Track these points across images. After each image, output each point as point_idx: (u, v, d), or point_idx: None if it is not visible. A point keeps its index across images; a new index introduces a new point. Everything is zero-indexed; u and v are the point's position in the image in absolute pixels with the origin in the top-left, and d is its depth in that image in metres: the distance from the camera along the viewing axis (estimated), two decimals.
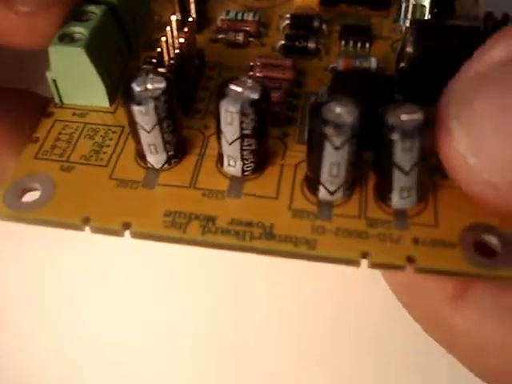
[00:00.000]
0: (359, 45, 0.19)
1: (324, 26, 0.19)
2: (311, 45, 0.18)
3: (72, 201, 0.15)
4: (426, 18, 0.18)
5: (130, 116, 0.14)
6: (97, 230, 0.14)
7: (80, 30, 0.16)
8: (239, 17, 0.19)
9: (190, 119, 0.17)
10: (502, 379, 0.14)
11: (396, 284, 0.15)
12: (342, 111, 0.14)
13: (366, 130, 0.14)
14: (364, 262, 0.14)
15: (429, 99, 0.17)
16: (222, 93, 0.14)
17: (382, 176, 0.14)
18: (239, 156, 0.15)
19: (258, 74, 0.17)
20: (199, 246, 0.14)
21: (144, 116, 0.14)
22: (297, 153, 0.16)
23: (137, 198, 0.15)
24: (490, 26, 0.16)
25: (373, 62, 0.17)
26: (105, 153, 0.16)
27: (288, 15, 0.19)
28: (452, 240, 0.14)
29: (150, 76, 0.14)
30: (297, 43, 0.18)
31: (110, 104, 0.17)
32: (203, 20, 0.19)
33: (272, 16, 0.20)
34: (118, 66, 0.17)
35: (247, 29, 0.19)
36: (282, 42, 0.18)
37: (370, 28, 0.19)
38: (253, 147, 0.15)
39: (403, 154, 0.13)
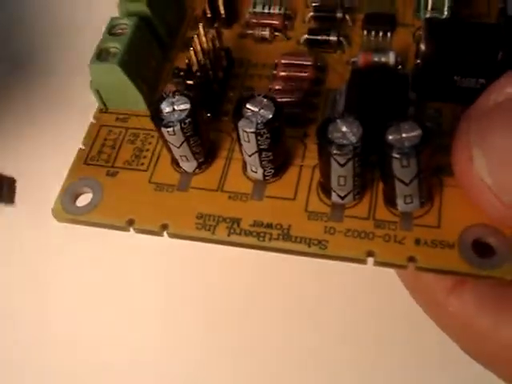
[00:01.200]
0: (381, 34, 0.19)
1: (347, 16, 0.20)
2: (333, 38, 0.19)
3: (117, 204, 0.17)
4: (445, 8, 0.18)
5: (161, 134, 0.16)
6: (139, 231, 0.17)
7: (115, 45, 0.18)
8: (266, 9, 0.20)
9: (218, 122, 0.18)
10: (493, 362, 0.16)
11: (402, 273, 0.17)
12: (346, 130, 0.15)
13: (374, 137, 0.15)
14: (370, 261, 0.16)
15: (441, 97, 0.17)
16: (238, 113, 0.15)
17: (386, 184, 0.16)
18: (259, 165, 0.16)
19: (281, 74, 0.19)
20: (225, 245, 0.17)
21: (172, 136, 0.16)
22: (315, 153, 0.17)
23: (172, 200, 0.17)
24: (503, 23, 0.17)
25: (391, 57, 0.18)
26: (144, 157, 0.18)
27: (313, 4, 0.20)
28: (452, 240, 0.15)
29: (177, 98, 0.16)
30: (319, 37, 0.19)
31: (148, 108, 0.19)
32: (232, 14, 0.20)
33: (297, 5, 0.21)
34: (154, 71, 0.19)
35: (274, 23, 0.20)
36: (306, 36, 0.19)
37: (394, 16, 0.19)
38: (270, 158, 0.16)
39: (402, 170, 0.15)
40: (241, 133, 0.16)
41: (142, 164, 0.18)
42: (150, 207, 0.17)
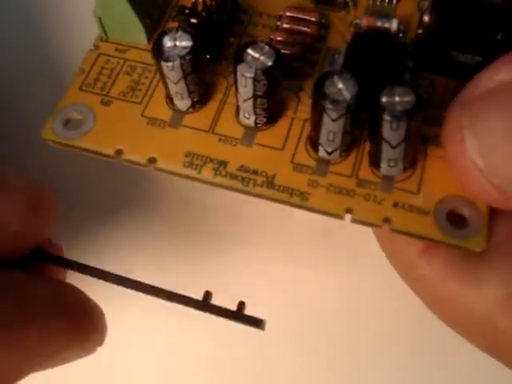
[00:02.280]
0: (387, 0, 0.19)
1: None
2: None
3: (108, 133, 0.17)
4: None
5: (159, 68, 0.16)
6: (127, 161, 0.17)
7: None
8: None
9: (216, 64, 0.18)
10: (463, 327, 0.17)
11: (379, 233, 0.18)
12: (342, 87, 0.15)
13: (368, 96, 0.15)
14: (347, 217, 0.16)
15: (437, 69, 0.18)
16: (239, 57, 0.16)
17: (373, 145, 0.16)
18: (252, 111, 0.17)
19: (284, 26, 0.19)
20: (210, 185, 0.17)
21: (171, 71, 0.16)
22: (308, 108, 0.17)
23: (163, 136, 0.17)
24: (507, 5, 0.17)
25: (394, 24, 0.18)
26: (140, 90, 0.18)
27: None
28: (428, 208, 0.16)
29: (179, 34, 0.16)
30: None
31: (148, 42, 0.19)
32: None
33: None
34: (159, 6, 0.19)
35: None
36: None
37: None
38: (264, 106, 0.16)
39: (391, 132, 0.15)
40: (239, 77, 0.16)
41: (137, 97, 0.18)
42: (140, 140, 0.17)
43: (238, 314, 0.17)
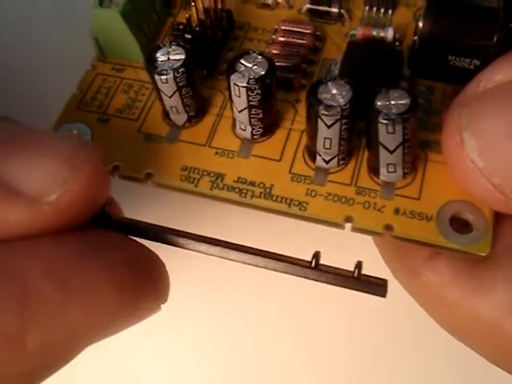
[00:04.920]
0: (382, 11, 0.19)
1: None
2: (334, 10, 0.19)
3: (105, 150, 0.17)
4: None
5: (153, 82, 0.16)
6: (124, 177, 0.17)
7: None
8: None
9: (213, 79, 0.18)
10: (466, 334, 0.16)
11: (380, 242, 0.17)
12: (336, 92, 0.15)
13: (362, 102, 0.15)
14: (347, 226, 0.16)
15: (435, 75, 0.18)
16: (232, 67, 0.16)
17: (371, 151, 0.16)
18: (248, 122, 0.16)
19: (279, 39, 0.19)
20: (207, 198, 0.17)
21: (164, 84, 0.16)
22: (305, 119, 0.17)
23: (160, 151, 0.17)
24: (501, 7, 0.17)
25: (390, 32, 0.18)
26: (136, 107, 0.18)
27: None
28: (430, 213, 0.16)
29: (173, 47, 0.16)
30: (321, 8, 0.19)
31: (145, 60, 0.19)
32: None
33: None
34: (154, 25, 0.19)
35: None
36: (308, 5, 0.19)
37: None
38: (260, 116, 0.16)
39: (387, 136, 0.15)
40: (232, 87, 0.16)
41: (133, 114, 0.18)
42: (137, 156, 0.17)
43: (358, 276, 0.15)
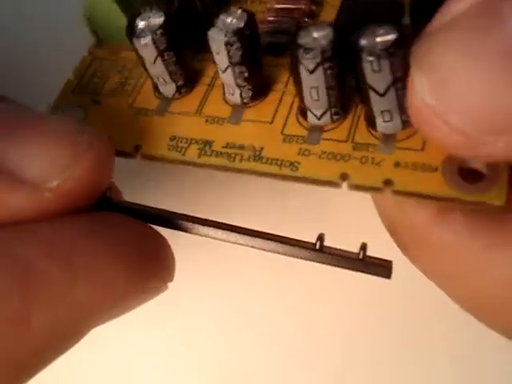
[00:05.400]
0: None
1: None
2: None
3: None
4: None
5: (135, 49, 0.16)
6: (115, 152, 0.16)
7: None
8: None
9: (204, 53, 0.18)
10: (482, 302, 0.14)
11: (381, 203, 0.16)
12: (318, 35, 0.14)
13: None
14: (344, 185, 0.14)
15: None
16: (210, 23, 0.15)
17: (363, 100, 0.14)
18: (234, 83, 0.16)
19: (274, 6, 0.18)
20: (196, 167, 0.16)
21: (145, 49, 0.16)
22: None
23: (149, 124, 0.17)
24: None
25: None
26: (129, 85, 0.18)
27: None
28: (435, 164, 0.14)
29: (153, 11, 0.16)
30: None
31: None
32: None
33: None
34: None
35: None
36: None
37: None
38: (245, 75, 0.15)
39: (374, 76, 0.13)
40: (211, 43, 0.15)
41: (126, 91, 0.18)
42: (127, 131, 0.17)
43: (364, 258, 0.14)
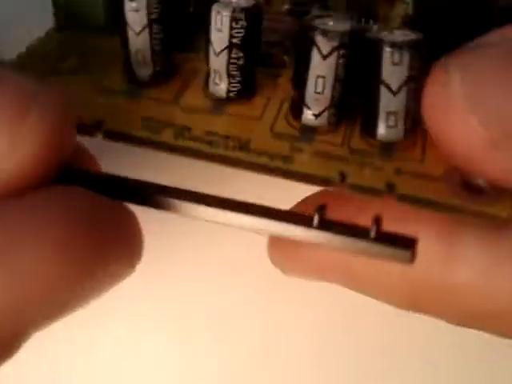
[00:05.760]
0: None
1: None
2: None
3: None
4: None
5: (122, 16, 0.14)
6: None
7: None
8: None
9: (189, 53, 0.16)
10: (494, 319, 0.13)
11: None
12: (338, 21, 0.13)
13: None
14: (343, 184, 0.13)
15: None
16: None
17: (369, 100, 0.14)
18: (225, 70, 0.14)
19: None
20: (171, 151, 0.14)
21: (134, 14, 0.14)
22: (287, 88, 0.15)
23: (117, 103, 0.14)
24: None
25: None
26: (95, 65, 0.16)
27: None
28: (436, 174, 0.13)
29: None
30: None
31: (105, 22, 0.17)
32: None
33: None
34: None
35: None
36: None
37: None
38: (240, 62, 0.14)
39: (391, 68, 0.13)
40: (213, 18, 0.14)
41: (93, 72, 0.15)
42: (89, 107, 0.14)
43: (377, 236, 0.11)
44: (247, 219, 0.12)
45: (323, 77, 0.13)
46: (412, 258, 0.11)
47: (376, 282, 0.14)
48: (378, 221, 0.12)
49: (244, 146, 0.13)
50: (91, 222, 0.12)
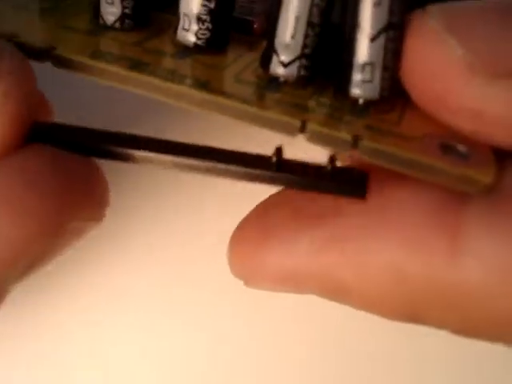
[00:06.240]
0: None
1: None
2: None
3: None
4: None
5: None
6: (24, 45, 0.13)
7: None
8: None
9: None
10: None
11: None
12: None
13: None
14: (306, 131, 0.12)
15: None
16: None
17: (343, 48, 0.12)
18: (195, 14, 0.13)
19: None
20: (122, 84, 0.12)
21: None
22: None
23: (71, 35, 0.13)
24: None
25: None
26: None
27: None
28: (413, 135, 0.12)
29: None
30: None
31: None
32: None
33: None
34: None
35: None
36: None
37: None
38: (212, 5, 0.13)
39: (370, 10, 0.12)
40: None
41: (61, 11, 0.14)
42: (38, 30, 0.13)
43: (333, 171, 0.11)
44: (204, 163, 0.12)
45: (296, 17, 0.12)
46: (366, 193, 0.11)
47: (364, 287, 0.11)
48: (332, 158, 0.10)
49: (203, 84, 0.12)
50: (50, 179, 0.11)
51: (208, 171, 0.12)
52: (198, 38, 0.13)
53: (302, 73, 0.13)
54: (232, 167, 0.12)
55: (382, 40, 0.12)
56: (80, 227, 0.12)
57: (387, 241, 0.11)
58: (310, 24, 0.12)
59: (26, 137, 0.12)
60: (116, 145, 0.12)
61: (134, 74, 0.12)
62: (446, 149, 0.12)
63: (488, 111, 0.11)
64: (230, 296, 0.18)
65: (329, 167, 0.11)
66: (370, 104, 0.12)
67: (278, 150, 0.11)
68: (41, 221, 0.11)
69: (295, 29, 0.12)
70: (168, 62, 0.13)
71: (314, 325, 0.18)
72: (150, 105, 0.14)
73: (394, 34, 0.12)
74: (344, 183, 0.11)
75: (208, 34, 0.13)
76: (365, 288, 0.11)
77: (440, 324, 0.12)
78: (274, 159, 0.11)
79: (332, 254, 0.11)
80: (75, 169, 0.12)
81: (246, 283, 0.13)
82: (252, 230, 0.12)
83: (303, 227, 0.11)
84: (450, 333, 0.12)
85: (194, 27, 0.13)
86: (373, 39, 0.12)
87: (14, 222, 0.11)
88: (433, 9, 0.12)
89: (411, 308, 0.11)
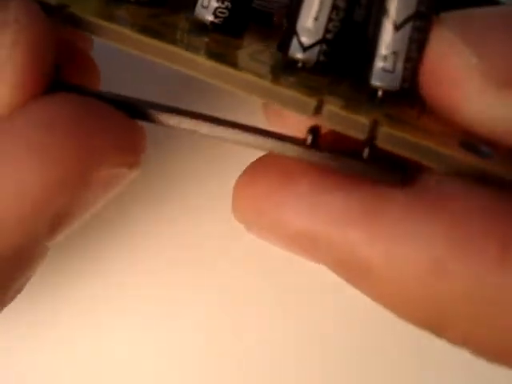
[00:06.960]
0: None
1: None
2: None
3: None
4: None
5: None
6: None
7: None
8: None
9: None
10: None
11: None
12: None
13: None
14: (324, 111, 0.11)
15: None
16: None
17: (367, 35, 0.12)
18: None
19: None
20: (132, 48, 0.12)
21: None
22: None
23: (89, 4, 0.13)
24: None
25: None
26: None
27: None
28: (434, 130, 0.11)
29: None
30: None
31: None
32: None
33: None
34: None
35: None
36: None
37: None
38: None
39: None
40: None
41: None
42: None
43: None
44: (245, 136, 0.11)
45: (321, 1, 0.12)
46: (404, 182, 0.10)
47: (391, 276, 0.10)
48: (370, 141, 0.10)
49: (216, 55, 0.12)
50: (73, 122, 0.11)
51: (248, 143, 0.11)
52: (216, 17, 0.13)
53: (322, 58, 0.12)
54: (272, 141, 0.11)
55: (407, 29, 0.11)
56: (113, 175, 0.12)
57: (432, 234, 0.10)
58: (334, 7, 0.12)
59: (47, 89, 0.11)
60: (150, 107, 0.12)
61: (146, 39, 0.12)
62: (468, 146, 0.11)
63: (501, 119, 0.11)
64: (230, 296, 0.17)
65: (366, 153, 0.10)
66: (389, 96, 0.12)
67: (315, 129, 0.11)
68: (64, 166, 0.11)
69: (319, 10, 0.12)
70: (183, 36, 0.12)
71: (314, 325, 0.17)
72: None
73: (420, 23, 0.11)
74: (382, 168, 0.10)
75: (227, 13, 0.13)
76: (391, 277, 0.10)
77: (463, 338, 0.10)
78: (310, 139, 0.11)
79: (364, 229, 0.10)
80: (104, 114, 0.11)
81: (249, 230, 0.12)
82: (270, 173, 0.11)
83: (337, 187, 0.10)
84: (469, 352, 0.10)
85: (214, 4, 0.13)
86: (399, 27, 0.11)
87: (33, 167, 0.10)
88: (447, 17, 0.11)
89: (439, 310, 0.10)
